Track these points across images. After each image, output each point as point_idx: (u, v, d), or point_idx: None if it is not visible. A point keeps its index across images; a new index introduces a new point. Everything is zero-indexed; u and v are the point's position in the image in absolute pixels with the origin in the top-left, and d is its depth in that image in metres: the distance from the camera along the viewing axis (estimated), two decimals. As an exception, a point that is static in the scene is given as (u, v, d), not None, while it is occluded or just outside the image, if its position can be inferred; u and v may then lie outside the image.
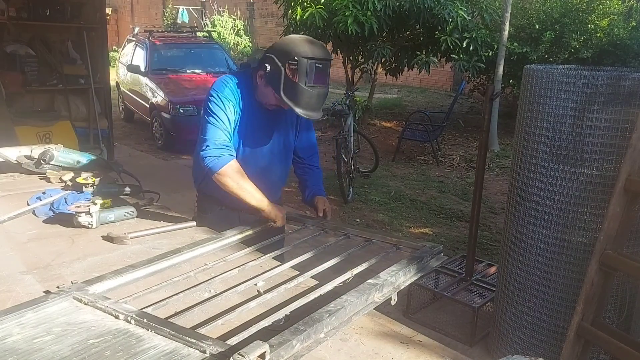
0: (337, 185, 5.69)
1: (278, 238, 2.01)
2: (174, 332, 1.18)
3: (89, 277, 1.48)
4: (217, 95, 1.99)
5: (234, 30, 15.55)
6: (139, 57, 8.92)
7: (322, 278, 1.58)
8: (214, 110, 1.97)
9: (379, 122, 9.35)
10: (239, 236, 1.89)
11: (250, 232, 1.94)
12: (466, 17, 7.03)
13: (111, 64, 7.27)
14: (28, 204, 2.15)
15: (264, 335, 1.15)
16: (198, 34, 11.00)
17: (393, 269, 1.53)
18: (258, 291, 1.50)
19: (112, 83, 7.18)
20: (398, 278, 1.51)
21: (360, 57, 8.01)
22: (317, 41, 2.02)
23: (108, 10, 10.05)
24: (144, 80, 8.43)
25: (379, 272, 1.50)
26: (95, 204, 1.98)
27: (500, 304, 2.90)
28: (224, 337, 1.20)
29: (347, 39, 7.23)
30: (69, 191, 2.24)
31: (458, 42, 7.08)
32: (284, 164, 2.25)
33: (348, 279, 1.53)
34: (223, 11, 16.03)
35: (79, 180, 2.33)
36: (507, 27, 7.32)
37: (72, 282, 1.42)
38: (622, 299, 2.56)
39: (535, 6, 8.52)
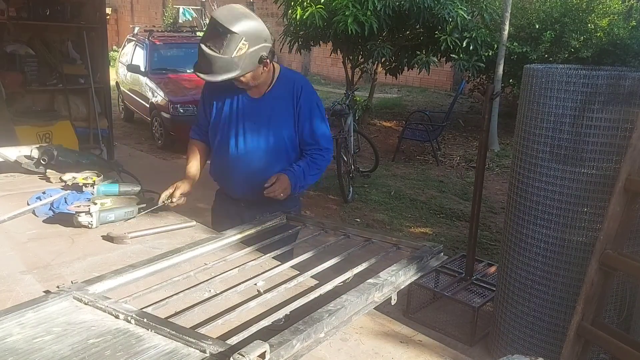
0: (337, 185, 5.70)
1: (288, 234, 2.00)
2: (174, 332, 1.18)
3: (89, 277, 1.48)
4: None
5: (234, 30, 15.50)
6: (139, 57, 8.92)
7: (322, 278, 1.58)
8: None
9: (379, 122, 9.36)
10: (239, 236, 1.88)
11: (250, 231, 1.94)
12: (466, 16, 7.03)
13: (111, 64, 7.27)
14: (28, 204, 2.15)
15: (264, 335, 1.15)
16: (198, 33, 11.00)
17: (393, 269, 1.53)
18: (258, 291, 1.50)
19: (112, 83, 7.18)
20: (398, 278, 1.51)
21: (360, 57, 8.01)
22: (236, 7, 2.02)
23: (108, 10, 10.05)
24: (144, 80, 8.43)
25: (379, 272, 1.50)
26: (95, 203, 1.98)
27: (500, 303, 2.90)
28: (224, 337, 1.20)
29: (347, 39, 7.23)
30: (69, 191, 2.24)
31: (458, 42, 7.08)
32: (266, 152, 2.21)
33: (348, 278, 1.53)
34: (223, 11, 16.00)
35: (78, 180, 2.33)
36: (507, 27, 7.33)
37: (72, 282, 1.42)
38: (622, 298, 2.56)
39: (535, 6, 8.52)
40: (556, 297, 2.59)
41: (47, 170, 2.55)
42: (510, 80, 8.22)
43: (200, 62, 2.00)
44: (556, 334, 2.60)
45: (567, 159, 2.49)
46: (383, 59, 7.68)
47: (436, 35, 7.14)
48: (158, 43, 9.04)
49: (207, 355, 1.11)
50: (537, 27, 7.98)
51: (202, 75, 2.01)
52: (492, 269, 3.71)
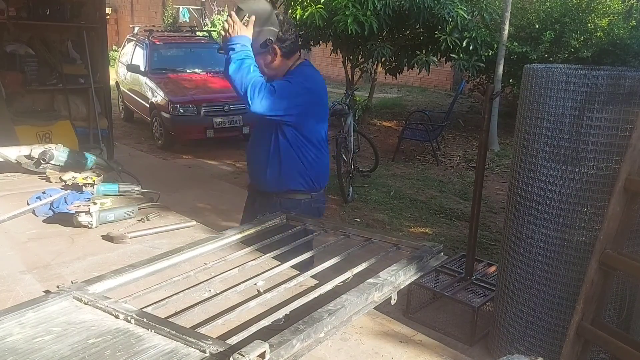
0: (337, 185, 5.69)
1: (303, 241, 1.93)
2: (173, 332, 1.18)
3: (89, 277, 1.48)
4: None
5: (234, 30, 15.51)
6: (139, 57, 8.92)
7: (322, 277, 1.58)
8: None
9: (379, 122, 9.36)
10: (239, 236, 1.88)
11: (250, 231, 1.93)
12: (466, 16, 7.03)
13: (111, 64, 7.27)
14: (28, 204, 2.15)
15: (264, 334, 1.15)
16: (198, 33, 11.00)
17: (393, 269, 1.53)
18: (258, 291, 1.50)
19: (112, 83, 7.17)
20: (398, 277, 1.51)
21: (360, 57, 8.02)
22: None
23: (108, 10, 10.06)
24: (144, 79, 8.42)
25: (379, 272, 1.50)
26: (95, 203, 1.98)
27: (500, 303, 2.90)
28: (224, 337, 1.20)
29: (347, 39, 7.23)
30: (68, 191, 2.24)
31: (458, 42, 7.08)
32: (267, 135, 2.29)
33: (348, 278, 1.53)
34: (223, 11, 16.02)
35: (78, 180, 2.33)
36: (507, 27, 7.33)
37: (72, 282, 1.42)
38: (622, 298, 2.56)
39: (535, 6, 8.52)
40: (556, 297, 2.60)
41: (47, 170, 2.55)
42: (510, 80, 8.22)
43: None
44: (556, 334, 2.60)
45: (567, 158, 2.49)
46: (383, 59, 7.68)
47: (436, 35, 7.14)
48: (158, 43, 9.04)
49: (207, 355, 1.11)
50: (537, 27, 7.98)
51: None
52: (492, 269, 3.71)
